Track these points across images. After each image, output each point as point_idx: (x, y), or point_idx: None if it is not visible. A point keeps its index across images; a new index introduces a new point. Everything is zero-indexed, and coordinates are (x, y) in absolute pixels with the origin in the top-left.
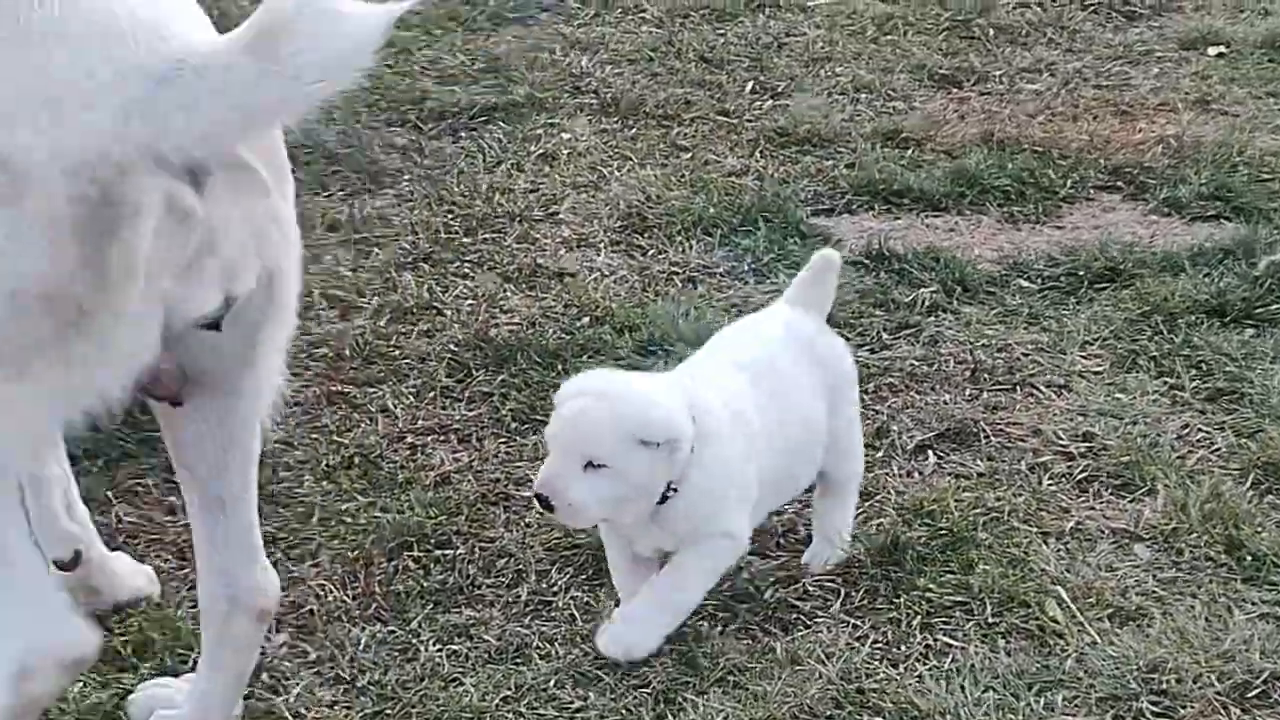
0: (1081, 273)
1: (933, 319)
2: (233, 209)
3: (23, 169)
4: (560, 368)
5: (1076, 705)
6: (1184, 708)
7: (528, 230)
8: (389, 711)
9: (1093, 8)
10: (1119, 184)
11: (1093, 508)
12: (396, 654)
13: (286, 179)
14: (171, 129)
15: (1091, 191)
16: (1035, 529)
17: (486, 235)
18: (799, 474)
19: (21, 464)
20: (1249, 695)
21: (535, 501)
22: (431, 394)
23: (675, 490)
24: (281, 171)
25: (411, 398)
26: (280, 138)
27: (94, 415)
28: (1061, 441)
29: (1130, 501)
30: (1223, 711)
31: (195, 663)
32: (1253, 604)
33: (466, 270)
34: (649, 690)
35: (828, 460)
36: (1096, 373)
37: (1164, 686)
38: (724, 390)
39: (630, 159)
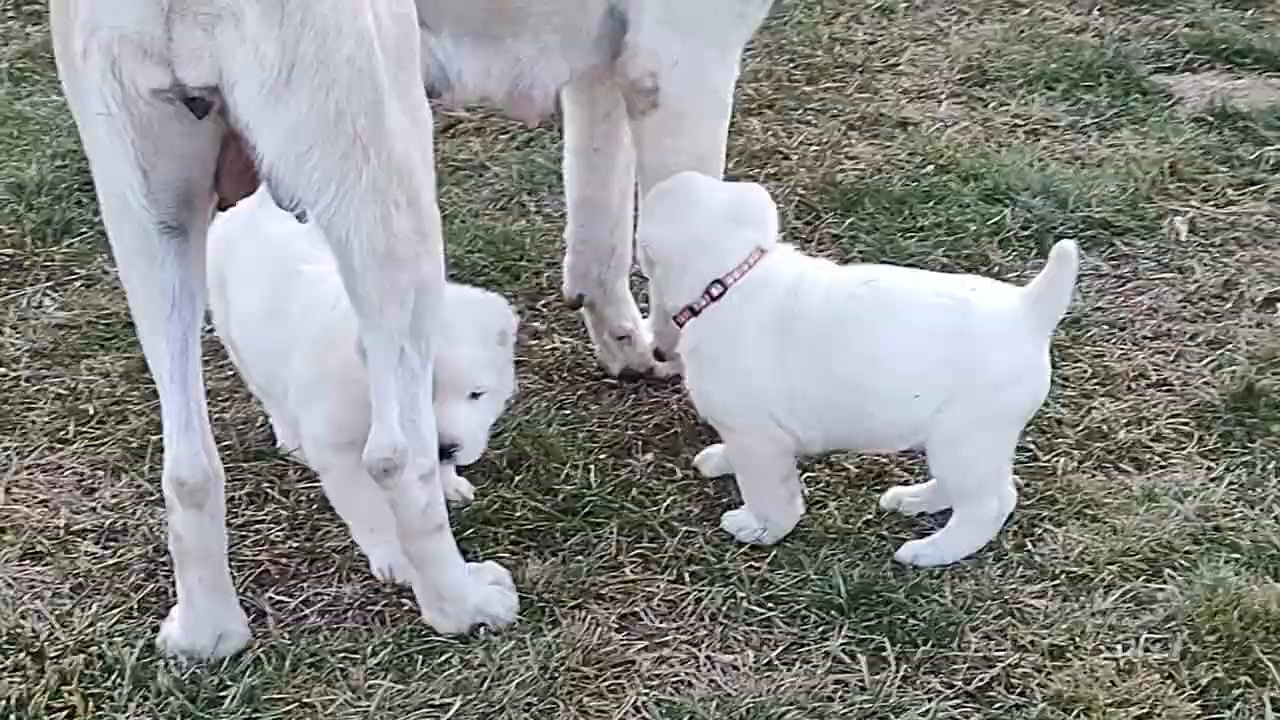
0: None
1: (1278, 176)
2: None
3: None
4: (907, 213)
5: None
6: None
7: (869, 80)
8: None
9: None
10: None
11: None
12: None
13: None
14: None
15: None
16: None
17: (828, 84)
18: (859, 424)
19: None
20: None
21: None
22: (781, 235)
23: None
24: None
25: None
26: None
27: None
28: None
29: None
30: None
31: (566, 475)
32: None
33: (810, 118)
34: (1011, 522)
35: (936, 460)
36: None
37: None
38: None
39: (968, 14)
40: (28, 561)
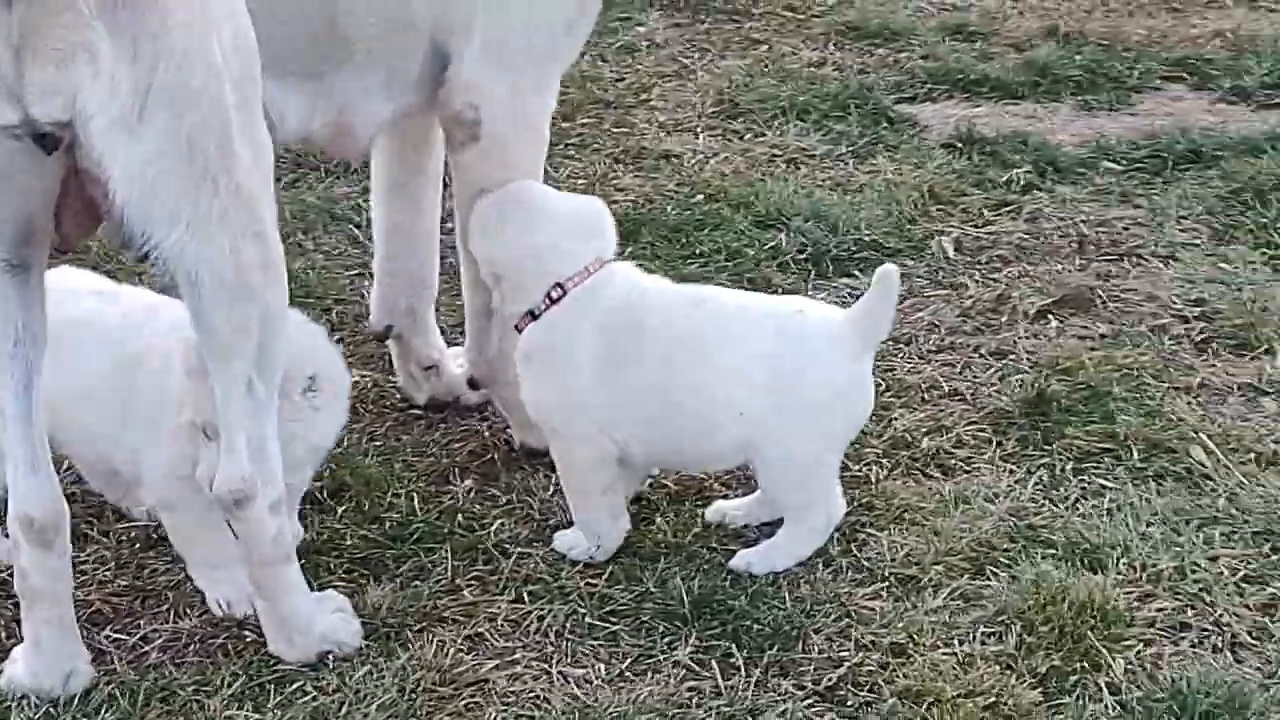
0: (1165, 155)
1: (1029, 197)
2: (38, 26)
3: None
4: (685, 240)
5: (1234, 540)
6: None
7: (624, 115)
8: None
9: None
10: (1183, 75)
11: (1214, 365)
12: None
13: (138, 27)
14: None
15: (1158, 82)
16: (1166, 384)
17: (585, 120)
18: (686, 440)
19: None
20: None
21: None
22: None
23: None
24: (130, 17)
25: None
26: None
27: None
28: (1176, 306)
29: (1250, 360)
30: None
31: (389, 504)
32: None
33: (572, 152)
34: (835, 529)
35: (765, 476)
36: (1196, 244)
37: None
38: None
39: (709, 50)
40: None
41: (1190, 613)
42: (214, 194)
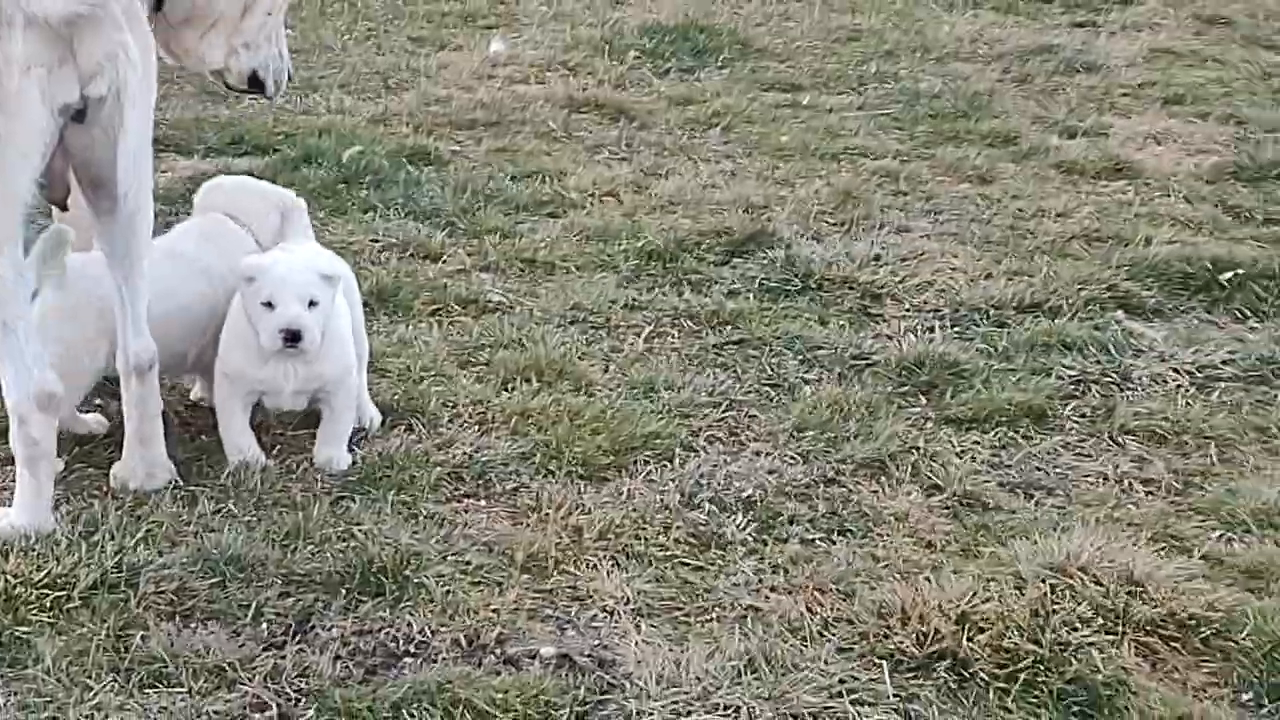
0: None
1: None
2: (92, 35)
3: None
4: None
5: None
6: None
7: None
8: None
9: None
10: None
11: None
12: None
13: (137, 28)
14: None
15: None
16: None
17: None
18: None
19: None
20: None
21: (283, 339)
22: None
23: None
24: (136, 18)
25: None
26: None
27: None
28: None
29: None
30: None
31: None
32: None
33: None
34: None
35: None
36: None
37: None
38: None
39: None
40: None
41: None
42: (149, 153)
